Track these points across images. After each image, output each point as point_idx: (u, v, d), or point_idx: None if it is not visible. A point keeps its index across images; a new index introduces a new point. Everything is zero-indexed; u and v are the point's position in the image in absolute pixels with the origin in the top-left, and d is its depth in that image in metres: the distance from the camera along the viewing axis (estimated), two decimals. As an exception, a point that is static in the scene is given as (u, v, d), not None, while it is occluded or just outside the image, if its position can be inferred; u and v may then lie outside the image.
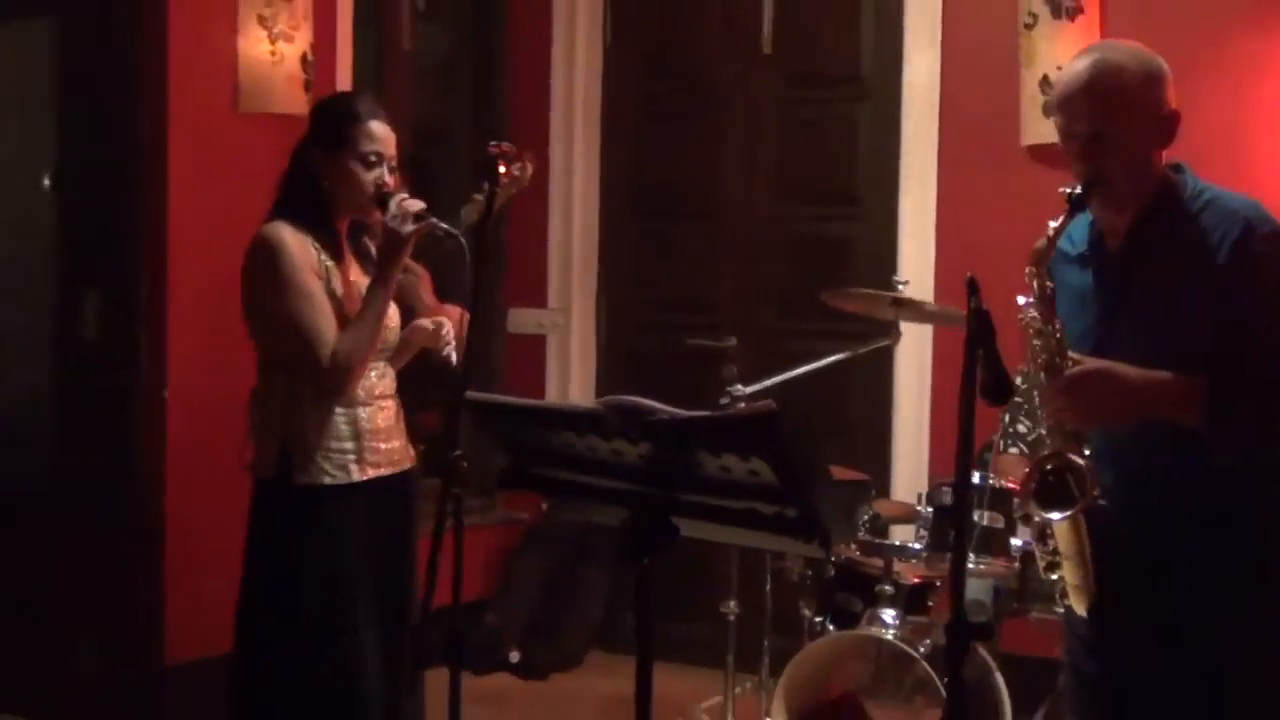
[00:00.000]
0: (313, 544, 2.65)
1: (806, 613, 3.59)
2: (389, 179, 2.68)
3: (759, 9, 4.76)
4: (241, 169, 3.77)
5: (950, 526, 3.21)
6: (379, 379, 2.75)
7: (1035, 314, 2.10)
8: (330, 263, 2.67)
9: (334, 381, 2.61)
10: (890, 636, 3.26)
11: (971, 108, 4.38)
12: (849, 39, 4.67)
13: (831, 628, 3.44)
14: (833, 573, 3.57)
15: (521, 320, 4.41)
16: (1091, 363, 2.11)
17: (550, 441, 1.93)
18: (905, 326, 3.76)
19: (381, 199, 2.64)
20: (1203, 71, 3.92)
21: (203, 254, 3.74)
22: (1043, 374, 2.13)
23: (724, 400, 3.45)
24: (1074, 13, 4.03)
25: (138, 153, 3.71)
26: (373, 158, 2.65)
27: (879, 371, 4.34)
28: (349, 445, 2.67)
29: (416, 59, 4.78)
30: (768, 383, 3.50)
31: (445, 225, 2.68)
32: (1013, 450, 3.69)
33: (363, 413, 2.70)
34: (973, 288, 1.82)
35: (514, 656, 4.50)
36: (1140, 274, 2.17)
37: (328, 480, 2.63)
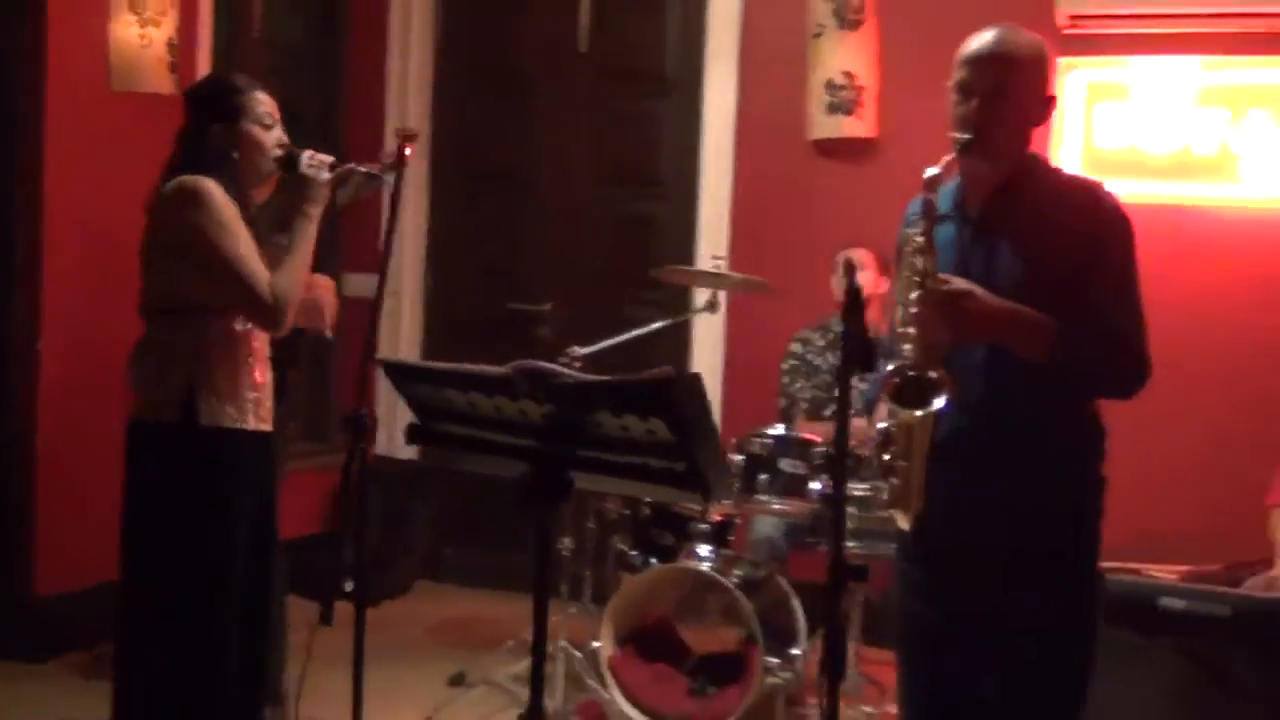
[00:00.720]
0: (216, 481, 2.65)
1: (622, 547, 3.83)
2: (276, 133, 2.75)
3: (576, 12, 5.10)
4: (113, 141, 4.04)
5: (758, 472, 3.56)
6: (263, 341, 2.75)
7: (919, 234, 2.20)
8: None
9: (276, 317, 2.63)
10: (706, 568, 3.52)
11: (765, 105, 4.80)
12: (656, 42, 5.05)
13: (653, 561, 3.70)
14: (648, 512, 3.81)
15: (356, 284, 4.60)
16: (960, 282, 2.21)
17: (457, 401, 2.03)
18: (697, 292, 4.16)
19: (290, 157, 2.72)
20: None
21: (78, 219, 3.96)
22: (914, 291, 2.20)
23: (562, 360, 3.57)
24: (856, 24, 4.53)
25: (15, 123, 3.88)
26: (268, 119, 2.72)
27: (677, 335, 4.70)
28: (250, 395, 2.70)
29: (267, 46, 4.92)
30: (605, 344, 3.80)
31: (364, 168, 2.80)
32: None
33: (259, 369, 2.73)
34: (849, 268, 2.05)
35: (348, 585, 4.68)
36: (1001, 231, 2.31)
37: (230, 424, 2.64)
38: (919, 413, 2.12)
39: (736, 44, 4.82)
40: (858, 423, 2.80)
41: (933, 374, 2.10)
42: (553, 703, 3.72)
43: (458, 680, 3.98)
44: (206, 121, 2.69)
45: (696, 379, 1.94)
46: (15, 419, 3.90)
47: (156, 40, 4.07)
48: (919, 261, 2.17)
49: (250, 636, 2.74)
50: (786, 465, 3.59)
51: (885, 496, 2.25)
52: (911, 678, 2.48)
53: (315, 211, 2.70)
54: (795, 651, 3.57)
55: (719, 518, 3.74)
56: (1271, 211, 4.11)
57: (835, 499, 2.03)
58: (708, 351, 4.82)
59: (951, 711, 2.38)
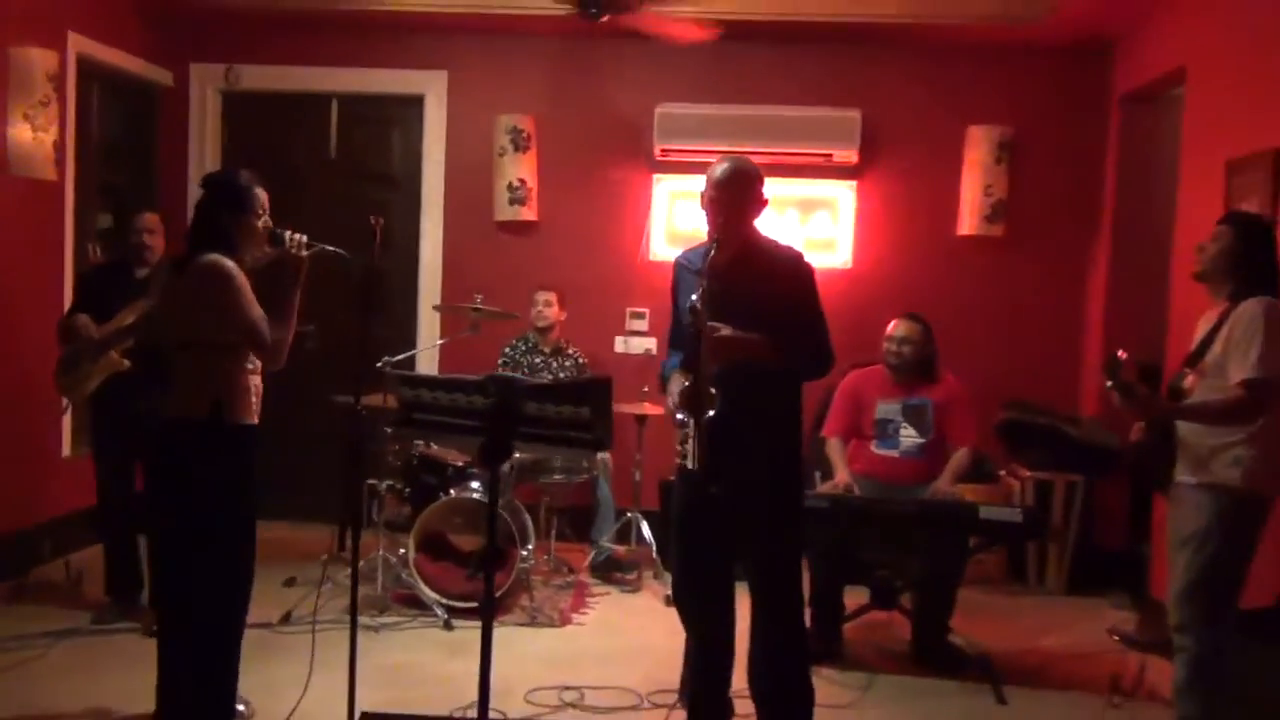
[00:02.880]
0: (240, 458, 3.21)
1: (397, 486, 4.92)
2: (267, 218, 3.26)
3: (329, 127, 6.49)
4: (7, 216, 5.03)
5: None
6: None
7: (699, 302, 2.98)
8: None
9: (274, 358, 3.17)
10: (479, 497, 4.69)
11: (465, 198, 6.33)
12: (385, 150, 6.49)
13: (446, 496, 4.78)
14: (416, 460, 4.93)
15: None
16: (726, 329, 2.98)
17: (427, 398, 2.69)
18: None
19: (274, 236, 3.24)
20: (586, 187, 6.23)
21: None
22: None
23: (379, 364, 4.68)
24: (526, 148, 6.18)
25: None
26: (260, 210, 3.25)
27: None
28: (254, 400, 3.26)
29: (100, 144, 5.92)
30: (407, 354, 5.16)
31: (331, 247, 3.30)
32: None
33: (256, 379, 3.27)
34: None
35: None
36: (737, 284, 3.05)
37: (246, 421, 3.22)
38: (703, 420, 2.95)
39: (444, 157, 6.37)
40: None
41: (710, 388, 2.95)
42: (375, 591, 4.81)
43: (290, 582, 5.05)
44: (219, 207, 3.22)
45: (609, 381, 2.76)
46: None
47: (45, 140, 5.08)
48: (695, 318, 2.97)
49: None
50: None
51: (682, 450, 3.04)
52: (680, 545, 3.36)
53: (296, 283, 3.22)
54: (529, 547, 5.00)
55: (461, 463, 4.93)
56: None
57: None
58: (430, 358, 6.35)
59: (707, 560, 3.29)
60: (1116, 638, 4.93)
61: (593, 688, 4.03)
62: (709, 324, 2.96)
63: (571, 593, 5.23)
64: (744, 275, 3.10)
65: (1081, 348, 6.16)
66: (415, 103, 6.40)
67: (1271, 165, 4.03)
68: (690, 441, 3.01)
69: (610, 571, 5.54)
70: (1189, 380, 3.42)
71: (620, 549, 5.55)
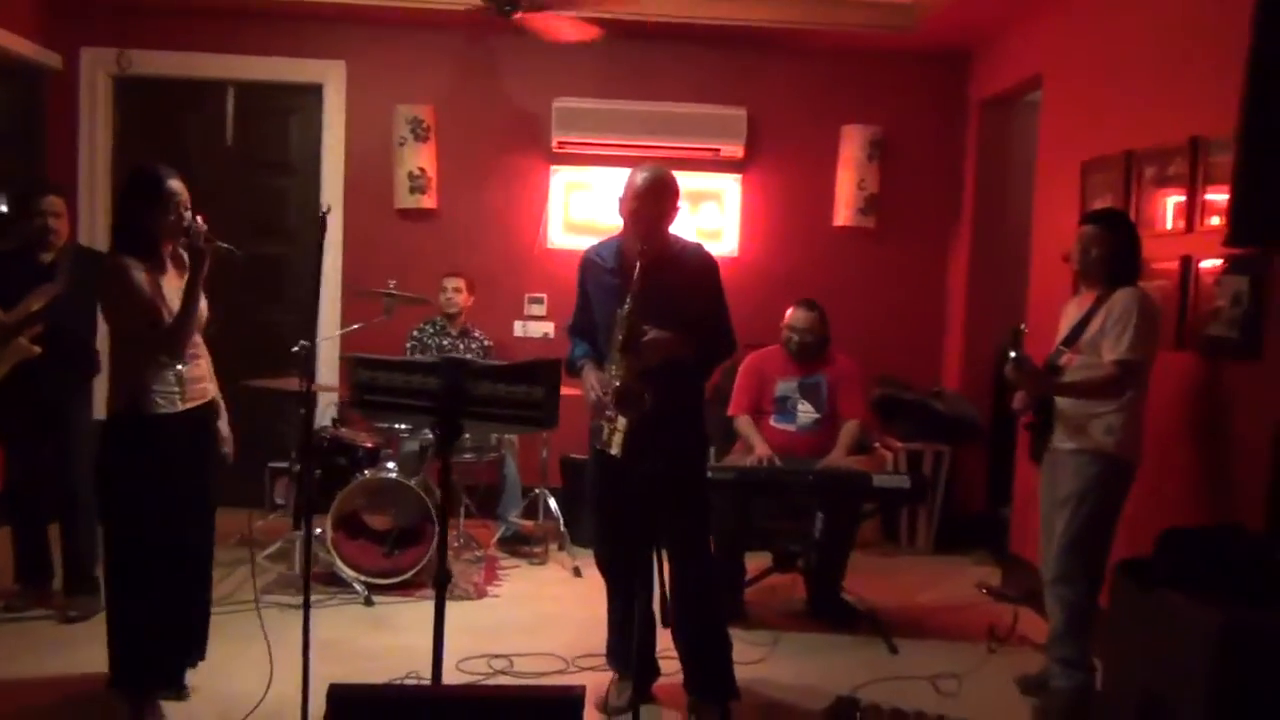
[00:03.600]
0: (155, 449, 3.23)
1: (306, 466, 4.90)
2: (185, 214, 3.25)
3: (224, 115, 6.34)
4: None
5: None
6: (193, 345, 3.36)
7: (628, 306, 3.15)
8: (157, 275, 3.25)
9: (170, 348, 3.24)
10: (395, 476, 4.81)
11: (366, 186, 6.29)
12: (283, 138, 6.38)
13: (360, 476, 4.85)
14: (326, 442, 4.99)
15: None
16: (654, 330, 3.16)
17: (383, 380, 2.72)
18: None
19: (186, 229, 3.25)
20: (485, 177, 6.27)
21: None
22: (621, 337, 3.16)
23: (295, 349, 4.56)
24: (426, 138, 6.18)
25: None
26: (177, 204, 3.27)
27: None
28: (175, 388, 3.28)
29: None
30: (332, 335, 5.27)
31: (226, 245, 3.32)
32: None
33: (182, 367, 3.30)
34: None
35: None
36: (658, 287, 3.18)
37: (161, 410, 3.25)
38: (630, 418, 3.12)
39: (343, 146, 6.31)
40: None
41: (640, 388, 3.14)
42: (292, 570, 4.81)
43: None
44: (134, 198, 3.26)
45: (559, 363, 2.76)
46: None
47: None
48: (624, 322, 3.17)
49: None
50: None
51: (606, 439, 3.22)
52: (601, 520, 3.62)
53: (199, 272, 3.25)
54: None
55: (370, 445, 5.05)
56: None
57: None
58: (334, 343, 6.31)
59: (628, 533, 3.40)
60: (985, 591, 5.31)
61: (519, 655, 4.13)
62: (641, 327, 3.13)
63: (482, 567, 5.31)
64: (664, 278, 3.23)
65: (944, 329, 6.54)
66: (314, 91, 6.31)
67: (1123, 166, 4.40)
68: (616, 433, 3.17)
69: (518, 545, 5.64)
70: (1066, 358, 3.73)
71: (529, 524, 5.65)
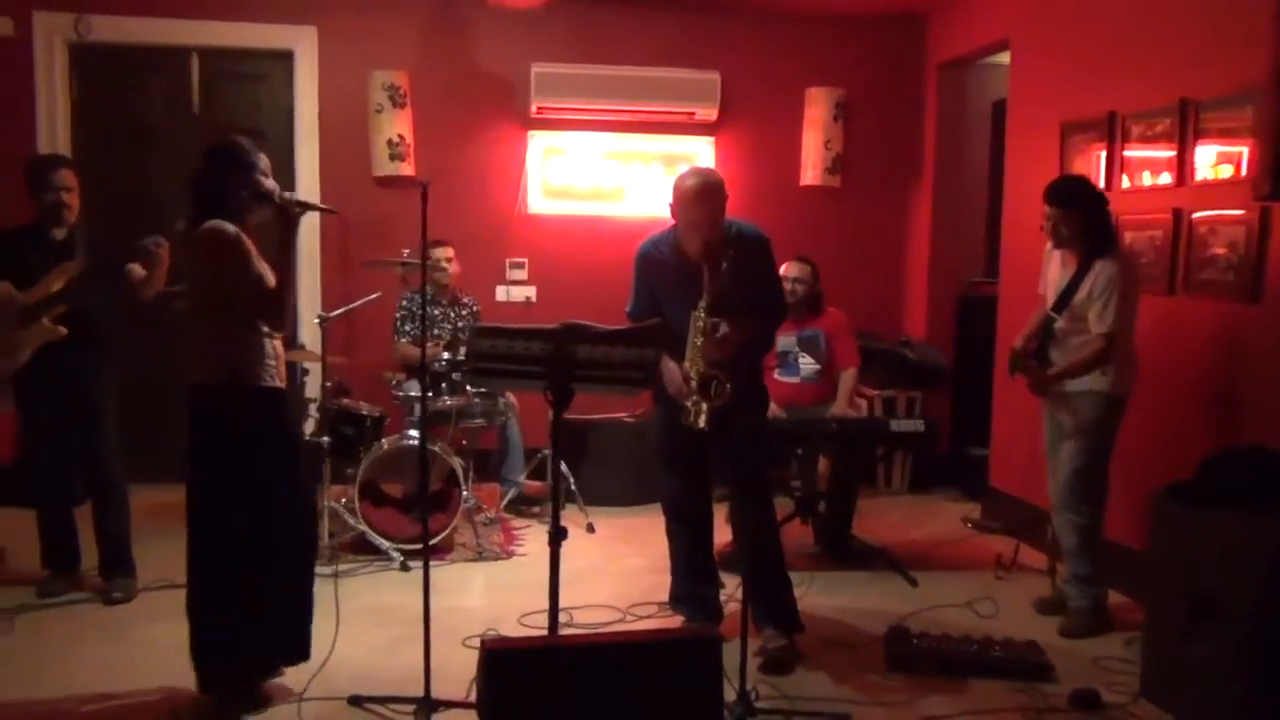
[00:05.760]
0: (254, 422, 3.19)
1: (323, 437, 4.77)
2: (270, 183, 3.24)
3: (189, 82, 6.15)
4: None
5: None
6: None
7: (702, 310, 3.36)
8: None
9: (277, 315, 3.20)
10: (414, 443, 4.75)
11: (343, 152, 6.19)
12: (253, 103, 6.22)
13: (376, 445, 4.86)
14: (335, 413, 4.81)
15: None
16: (725, 326, 3.35)
17: (503, 347, 2.79)
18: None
19: (274, 197, 3.23)
20: (463, 143, 6.26)
21: None
22: (699, 338, 3.37)
23: (316, 319, 4.80)
24: (403, 104, 6.14)
25: None
26: (259, 173, 3.23)
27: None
28: (271, 362, 3.25)
29: None
30: (344, 309, 5.12)
31: (320, 205, 3.46)
32: (405, 338, 5.71)
33: (276, 343, 3.28)
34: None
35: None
36: (715, 268, 3.34)
37: (264, 384, 3.21)
38: (715, 404, 3.34)
39: (317, 113, 6.20)
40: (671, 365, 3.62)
41: (720, 376, 3.36)
42: (322, 541, 4.70)
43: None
44: (222, 171, 3.19)
45: (665, 328, 3.08)
46: None
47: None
48: (700, 321, 3.38)
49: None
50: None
51: (692, 416, 3.40)
52: (674, 471, 3.79)
53: (293, 236, 3.24)
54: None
55: (376, 414, 5.05)
56: (645, 220, 6.25)
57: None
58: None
59: (699, 484, 3.77)
60: (970, 525, 5.69)
61: (575, 608, 4.26)
62: (711, 322, 3.31)
63: (498, 529, 5.40)
64: (728, 269, 3.36)
65: (907, 281, 6.88)
66: (284, 58, 6.18)
67: (1106, 126, 4.74)
68: (702, 414, 3.38)
69: (522, 506, 5.75)
70: (1061, 324, 4.09)
71: (538, 484, 5.76)
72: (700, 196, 3.38)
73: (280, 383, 3.30)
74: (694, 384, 3.36)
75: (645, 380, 3.01)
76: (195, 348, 3.19)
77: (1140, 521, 4.13)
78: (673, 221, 3.58)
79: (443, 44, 6.29)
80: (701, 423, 3.36)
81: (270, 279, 3.19)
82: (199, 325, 3.21)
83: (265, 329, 3.24)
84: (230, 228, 3.12)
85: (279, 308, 3.18)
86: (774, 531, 3.84)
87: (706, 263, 3.33)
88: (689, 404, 3.41)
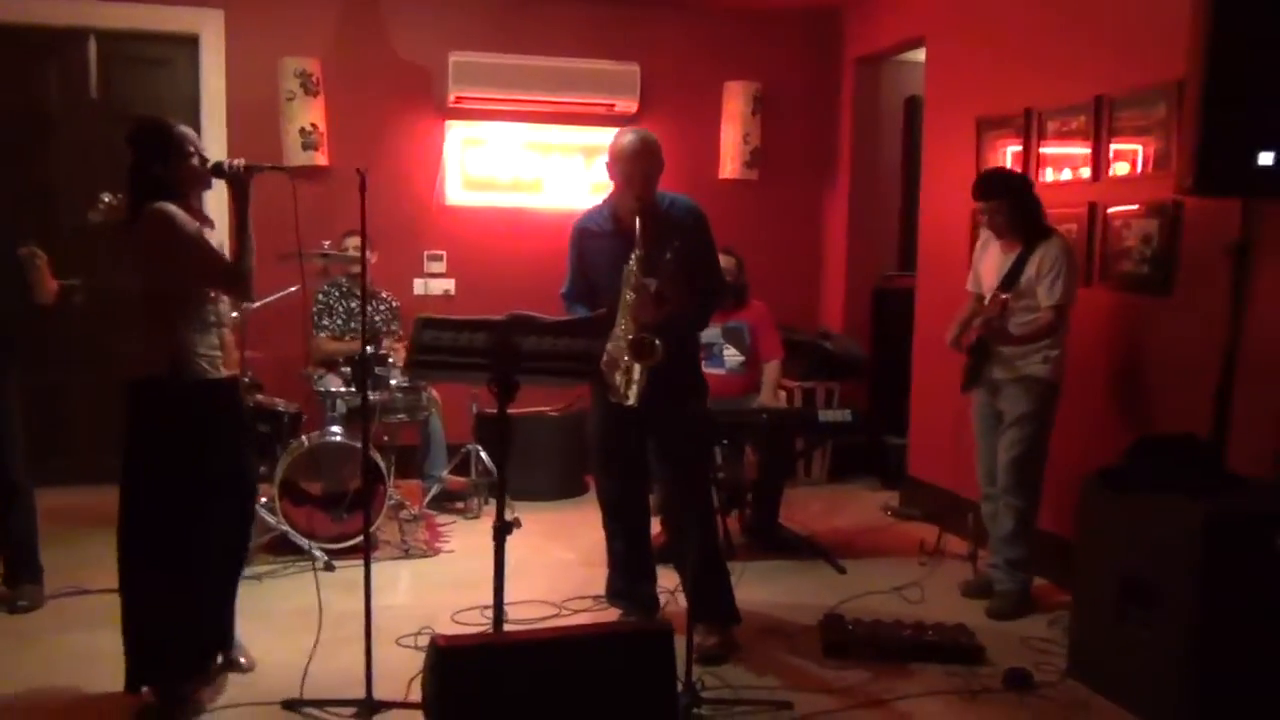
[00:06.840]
0: (193, 416, 3.07)
1: None
2: (202, 157, 3.13)
3: (87, 66, 5.88)
4: None
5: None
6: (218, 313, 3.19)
7: (634, 265, 3.31)
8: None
9: (243, 289, 3.11)
10: (343, 440, 4.71)
11: (252, 141, 5.82)
12: (155, 91, 5.96)
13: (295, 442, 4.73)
14: (251, 407, 4.75)
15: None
16: (654, 284, 3.30)
17: (444, 339, 2.72)
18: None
19: (215, 167, 3.13)
20: (378, 132, 6.13)
21: None
22: (630, 294, 3.29)
23: (234, 315, 4.37)
24: (316, 92, 5.97)
25: None
26: (190, 148, 3.13)
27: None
28: (218, 354, 3.15)
29: None
30: (262, 302, 4.88)
31: (267, 164, 3.24)
32: (323, 334, 5.58)
33: (223, 332, 3.20)
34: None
35: None
36: (653, 236, 3.31)
37: (206, 375, 3.10)
38: (647, 364, 3.31)
39: (224, 100, 5.98)
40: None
41: (654, 339, 3.29)
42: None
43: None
44: (151, 158, 3.08)
45: (607, 317, 3.07)
46: None
47: None
48: (633, 277, 3.32)
49: None
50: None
51: (622, 390, 3.36)
52: (610, 462, 3.75)
53: (246, 203, 3.13)
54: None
55: (293, 410, 4.90)
56: (565, 212, 6.23)
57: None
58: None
59: (637, 474, 3.74)
60: (889, 513, 5.79)
61: (510, 603, 4.15)
62: (643, 281, 3.26)
63: (423, 525, 5.30)
64: (661, 231, 3.36)
65: (824, 274, 6.96)
66: (189, 42, 5.96)
67: (1022, 122, 4.87)
68: (633, 385, 3.34)
69: (445, 503, 5.65)
70: (1007, 299, 4.15)
71: (463, 480, 5.67)
72: (636, 151, 3.40)
73: (234, 371, 3.23)
74: (626, 344, 3.32)
75: (589, 372, 2.98)
76: (136, 341, 3.08)
77: (1058, 508, 4.25)
78: (611, 189, 3.56)
79: (357, 30, 6.14)
80: (632, 398, 3.33)
81: (227, 252, 3.10)
82: (141, 316, 3.09)
83: (212, 319, 3.14)
84: (166, 210, 3.01)
85: (245, 278, 3.09)
86: (710, 520, 3.84)
87: (639, 220, 3.32)
88: (618, 373, 3.36)
